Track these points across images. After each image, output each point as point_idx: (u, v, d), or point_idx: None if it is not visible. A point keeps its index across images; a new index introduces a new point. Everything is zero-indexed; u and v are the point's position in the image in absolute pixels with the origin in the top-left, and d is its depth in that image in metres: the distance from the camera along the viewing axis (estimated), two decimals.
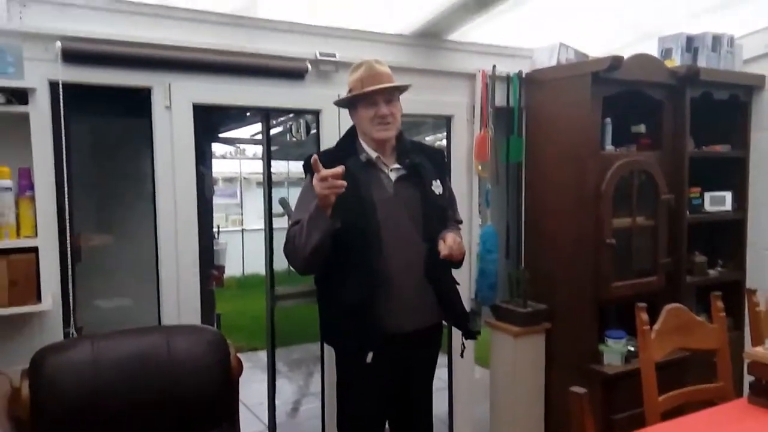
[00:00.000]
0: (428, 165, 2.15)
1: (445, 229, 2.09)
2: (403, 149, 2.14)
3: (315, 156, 1.82)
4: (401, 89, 2.12)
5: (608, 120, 2.89)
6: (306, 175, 2.09)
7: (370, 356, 1.97)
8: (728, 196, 3.22)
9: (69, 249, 2.19)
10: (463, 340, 2.28)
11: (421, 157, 2.15)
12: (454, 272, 2.21)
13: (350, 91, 2.10)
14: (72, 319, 2.17)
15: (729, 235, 3.34)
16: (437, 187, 2.14)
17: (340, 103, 2.19)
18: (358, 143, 2.12)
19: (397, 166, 2.11)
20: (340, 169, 1.79)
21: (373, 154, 2.09)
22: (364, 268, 1.97)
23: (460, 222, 2.34)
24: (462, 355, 2.36)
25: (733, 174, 3.31)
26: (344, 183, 1.79)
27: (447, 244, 1.96)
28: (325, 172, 1.78)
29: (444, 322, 2.24)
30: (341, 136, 2.27)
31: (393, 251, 2.01)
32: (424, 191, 2.10)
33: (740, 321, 3.19)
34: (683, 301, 2.94)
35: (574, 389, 1.18)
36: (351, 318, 1.99)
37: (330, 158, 2.09)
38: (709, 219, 3.19)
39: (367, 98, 2.04)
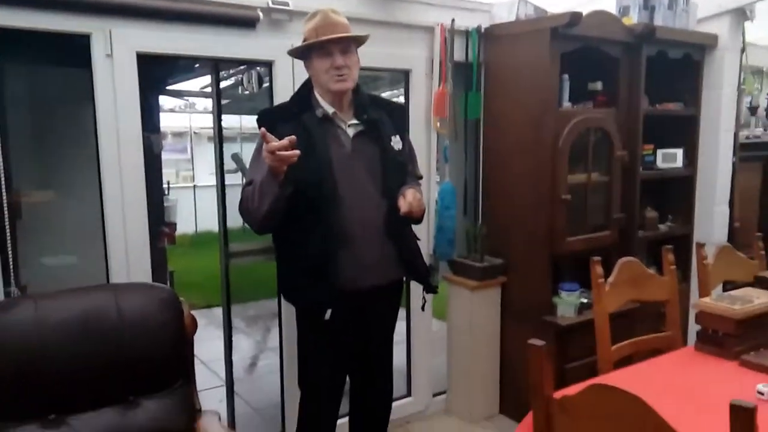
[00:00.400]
0: (387, 120, 2.09)
1: (405, 185, 2.05)
2: (361, 104, 2.07)
3: (263, 129, 1.76)
4: (358, 40, 2.04)
5: (566, 77, 2.88)
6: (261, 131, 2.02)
7: (328, 313, 1.95)
8: (679, 153, 3.29)
9: (5, 206, 2.06)
10: (424, 294, 2.28)
11: (380, 113, 2.08)
12: (414, 228, 2.19)
13: (305, 40, 2.00)
14: (13, 278, 2.06)
15: (679, 191, 3.42)
16: (396, 142, 2.09)
17: (294, 53, 2.09)
18: (313, 97, 2.04)
19: (354, 121, 2.05)
20: (286, 140, 1.72)
21: (330, 110, 2.01)
22: (322, 225, 1.92)
23: (420, 178, 2.31)
24: (423, 309, 2.37)
25: (684, 132, 3.37)
26: (296, 153, 1.73)
27: (407, 200, 1.93)
28: (272, 145, 1.72)
29: (404, 278, 2.23)
30: (296, 89, 2.17)
31: (351, 208, 1.97)
32: (383, 147, 2.05)
33: (687, 273, 3.31)
34: (635, 255, 3.02)
35: (533, 341, 1.19)
36: (309, 275, 1.95)
37: (284, 113, 2.02)
38: (661, 175, 3.26)
39: (323, 48, 1.95)
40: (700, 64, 3.32)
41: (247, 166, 2.07)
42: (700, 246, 2.35)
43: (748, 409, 0.93)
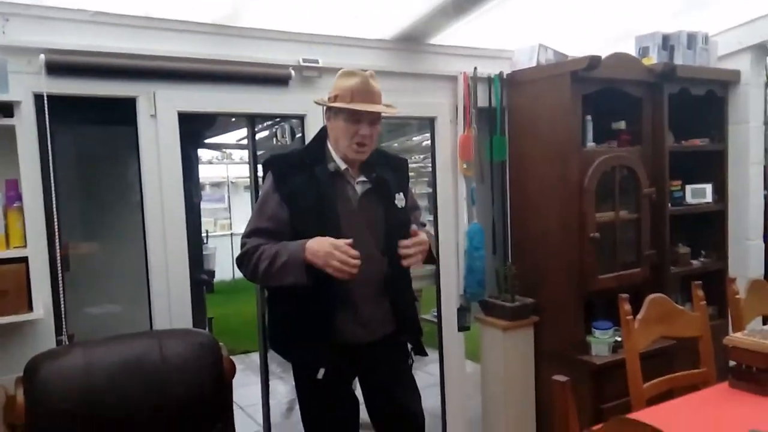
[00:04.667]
0: (391, 176, 2.09)
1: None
2: (369, 161, 2.06)
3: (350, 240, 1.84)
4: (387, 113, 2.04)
5: (589, 117, 2.94)
6: (266, 177, 2.01)
7: (321, 372, 1.92)
8: (708, 188, 3.29)
9: (58, 258, 2.21)
10: (412, 355, 2.16)
11: (386, 170, 2.08)
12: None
13: (336, 96, 1.97)
14: (64, 326, 2.19)
15: (711, 226, 3.40)
16: (400, 200, 2.08)
17: (321, 103, 2.06)
18: (327, 150, 2.03)
19: (363, 178, 2.04)
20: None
21: (342, 166, 2.01)
22: (323, 283, 1.88)
23: (424, 225, 2.29)
24: (410, 368, 2.20)
25: (712, 166, 3.37)
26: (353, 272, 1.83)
27: (403, 244, 1.93)
28: (350, 251, 1.82)
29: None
30: (312, 138, 2.16)
31: None
32: (388, 206, 2.05)
33: (724, 309, 3.25)
34: (668, 292, 3.00)
35: (557, 378, 1.22)
36: (305, 333, 1.93)
37: (295, 163, 2.01)
38: (691, 211, 3.26)
39: (353, 115, 1.95)
40: (724, 99, 3.35)
41: (253, 213, 2.04)
42: (731, 280, 2.34)
43: None
